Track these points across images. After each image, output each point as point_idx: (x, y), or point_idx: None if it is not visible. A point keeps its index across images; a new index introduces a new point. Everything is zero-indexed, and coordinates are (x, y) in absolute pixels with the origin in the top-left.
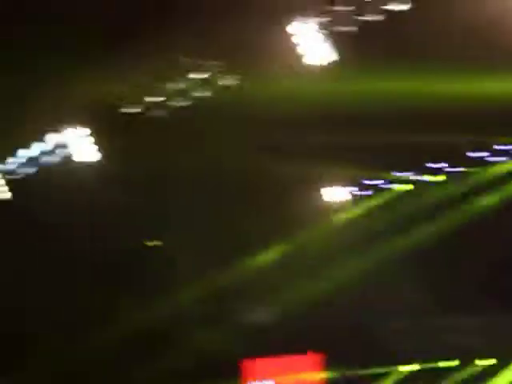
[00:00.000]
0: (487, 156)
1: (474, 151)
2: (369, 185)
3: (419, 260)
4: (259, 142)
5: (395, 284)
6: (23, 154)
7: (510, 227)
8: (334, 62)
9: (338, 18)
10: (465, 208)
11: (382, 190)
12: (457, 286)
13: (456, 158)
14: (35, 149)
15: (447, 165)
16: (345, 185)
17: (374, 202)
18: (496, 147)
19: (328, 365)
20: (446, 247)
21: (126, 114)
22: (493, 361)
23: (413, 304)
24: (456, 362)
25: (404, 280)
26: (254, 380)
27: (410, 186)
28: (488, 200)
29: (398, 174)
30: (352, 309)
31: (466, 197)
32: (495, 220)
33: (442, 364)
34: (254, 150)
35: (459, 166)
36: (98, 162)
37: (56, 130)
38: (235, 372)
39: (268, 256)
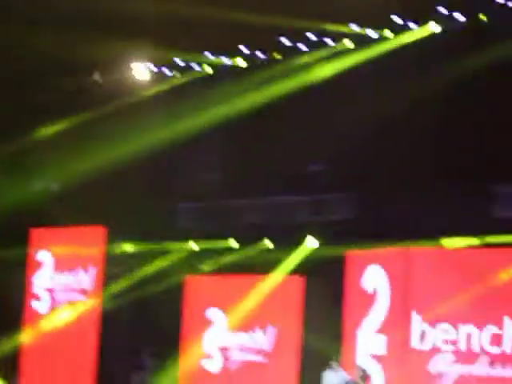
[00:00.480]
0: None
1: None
2: (176, 64)
3: (214, 141)
4: None
5: (191, 162)
6: None
7: (306, 116)
8: None
9: None
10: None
11: (189, 69)
12: (249, 170)
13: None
14: None
15: (259, 50)
16: (151, 62)
17: (178, 81)
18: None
19: (110, 238)
20: (244, 129)
21: None
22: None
23: (205, 185)
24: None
25: (198, 160)
26: (41, 248)
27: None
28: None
29: (208, 55)
30: (142, 186)
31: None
32: (290, 110)
33: (228, 244)
34: None
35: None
36: None
37: None
38: (24, 240)
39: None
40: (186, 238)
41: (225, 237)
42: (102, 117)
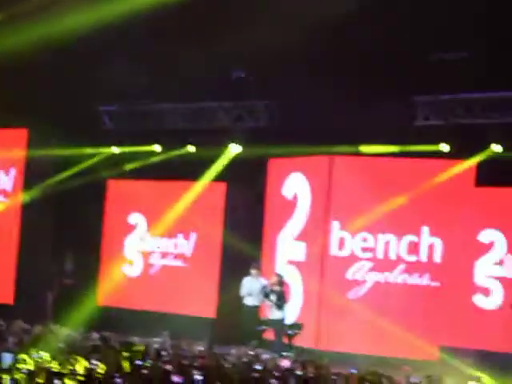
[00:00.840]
0: None
1: None
2: None
3: (139, 45)
4: None
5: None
6: None
7: (230, 21)
8: None
9: None
10: None
11: None
12: (174, 74)
13: None
14: None
15: None
16: None
17: None
18: None
19: (32, 140)
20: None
21: None
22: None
23: (129, 87)
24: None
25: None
26: None
27: None
28: None
29: None
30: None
31: None
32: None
33: (151, 148)
34: None
35: None
36: None
37: None
38: None
39: None
40: (109, 141)
41: (148, 141)
42: None
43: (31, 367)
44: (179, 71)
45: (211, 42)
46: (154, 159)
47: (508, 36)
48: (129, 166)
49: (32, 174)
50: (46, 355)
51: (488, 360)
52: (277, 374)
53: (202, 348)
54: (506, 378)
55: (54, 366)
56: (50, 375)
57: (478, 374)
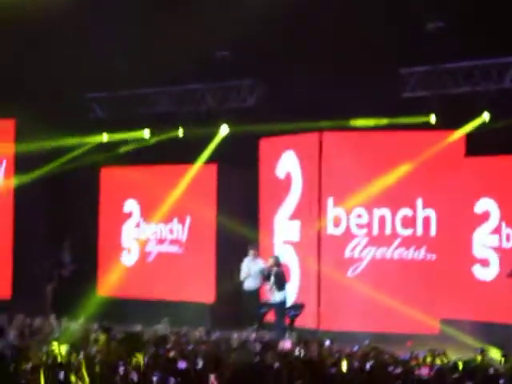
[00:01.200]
0: None
1: None
2: None
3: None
4: None
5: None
6: None
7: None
8: None
9: None
10: None
11: None
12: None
13: None
14: None
15: None
16: None
17: None
18: None
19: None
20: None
21: None
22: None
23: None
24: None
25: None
26: None
27: None
28: None
29: None
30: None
31: None
32: None
33: (141, 133)
34: None
35: None
36: None
37: None
38: None
39: None
40: (99, 129)
41: (137, 126)
42: None
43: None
44: (163, 54)
45: (194, 22)
46: (145, 144)
47: (485, 2)
48: (123, 149)
49: (23, 165)
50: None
51: (488, 331)
52: (279, 356)
53: (200, 334)
54: (507, 349)
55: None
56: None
57: (481, 345)
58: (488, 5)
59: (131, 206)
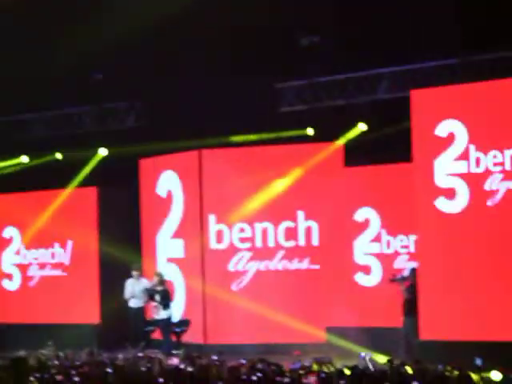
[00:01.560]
0: None
1: None
2: None
3: None
4: None
5: None
6: None
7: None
8: None
9: None
10: None
11: None
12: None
13: None
14: None
15: None
16: None
17: None
18: None
19: None
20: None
21: None
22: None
23: None
24: None
25: None
26: None
27: None
28: None
29: None
30: None
31: None
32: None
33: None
34: None
35: None
36: None
37: None
38: None
39: None
40: None
41: (14, 152)
42: None
43: None
44: (40, 77)
45: (66, 46)
46: (23, 170)
47: (356, 17)
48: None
49: None
50: None
51: (373, 336)
52: (165, 372)
53: (85, 355)
54: (392, 352)
55: None
56: None
57: (366, 351)
58: (359, 19)
59: (10, 232)
